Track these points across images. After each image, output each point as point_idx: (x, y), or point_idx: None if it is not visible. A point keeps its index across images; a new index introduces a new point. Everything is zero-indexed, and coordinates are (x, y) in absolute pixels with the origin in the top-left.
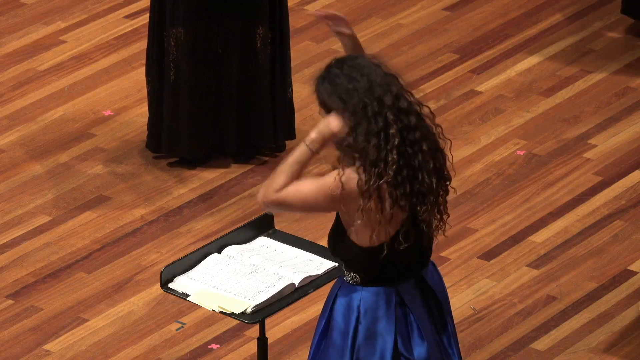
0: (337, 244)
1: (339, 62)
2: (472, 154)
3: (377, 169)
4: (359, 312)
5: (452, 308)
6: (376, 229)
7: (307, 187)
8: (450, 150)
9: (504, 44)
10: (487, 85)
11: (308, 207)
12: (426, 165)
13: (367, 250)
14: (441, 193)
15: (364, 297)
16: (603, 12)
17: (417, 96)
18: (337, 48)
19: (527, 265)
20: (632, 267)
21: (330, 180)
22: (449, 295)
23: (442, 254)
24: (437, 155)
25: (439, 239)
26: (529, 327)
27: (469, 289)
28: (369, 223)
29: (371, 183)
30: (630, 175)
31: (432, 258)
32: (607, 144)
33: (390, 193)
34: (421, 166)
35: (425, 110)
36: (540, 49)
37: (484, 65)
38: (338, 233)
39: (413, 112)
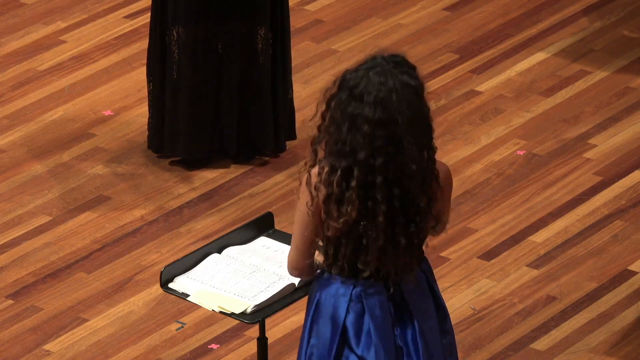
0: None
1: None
2: (472, 154)
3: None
4: (319, 297)
5: (452, 308)
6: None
7: (295, 229)
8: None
9: (504, 44)
10: (487, 85)
11: (309, 237)
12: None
13: (327, 238)
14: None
15: (324, 283)
16: (603, 12)
17: None
18: (337, 48)
19: (527, 265)
20: (632, 267)
21: (301, 202)
22: (449, 296)
23: (442, 254)
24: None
25: (438, 238)
26: (529, 327)
27: (469, 289)
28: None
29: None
30: (630, 175)
31: (431, 258)
32: (607, 144)
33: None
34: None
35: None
36: (540, 49)
37: (484, 65)
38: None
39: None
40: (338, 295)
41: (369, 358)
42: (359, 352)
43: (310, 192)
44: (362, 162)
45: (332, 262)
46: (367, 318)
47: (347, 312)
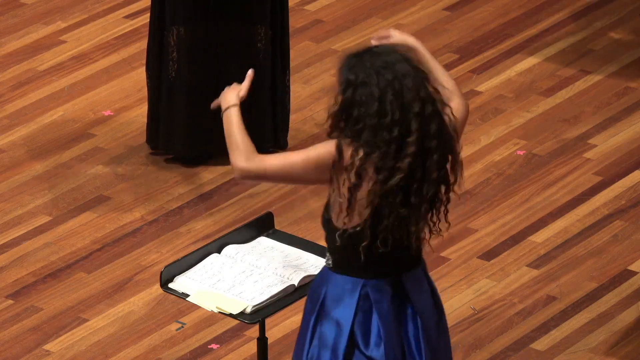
0: (322, 221)
1: (370, 53)
2: (472, 154)
3: (381, 173)
4: (324, 296)
5: (452, 308)
6: (344, 207)
7: (294, 155)
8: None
9: (504, 44)
10: (487, 85)
11: (292, 174)
12: (428, 175)
13: (338, 231)
14: (436, 201)
15: (331, 282)
16: (603, 12)
17: None
18: (337, 48)
19: (527, 265)
20: (632, 267)
21: (323, 149)
22: (449, 296)
23: (442, 254)
24: (446, 161)
25: (438, 239)
26: (529, 327)
27: (469, 289)
28: (338, 200)
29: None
30: (630, 175)
31: (431, 258)
32: (607, 144)
33: (374, 192)
34: (423, 177)
35: (447, 111)
36: (540, 49)
37: (484, 65)
38: (326, 208)
39: (436, 117)
40: (345, 295)
41: (378, 357)
42: (367, 352)
43: (334, 161)
44: (417, 115)
45: (341, 259)
46: (375, 317)
47: (356, 313)
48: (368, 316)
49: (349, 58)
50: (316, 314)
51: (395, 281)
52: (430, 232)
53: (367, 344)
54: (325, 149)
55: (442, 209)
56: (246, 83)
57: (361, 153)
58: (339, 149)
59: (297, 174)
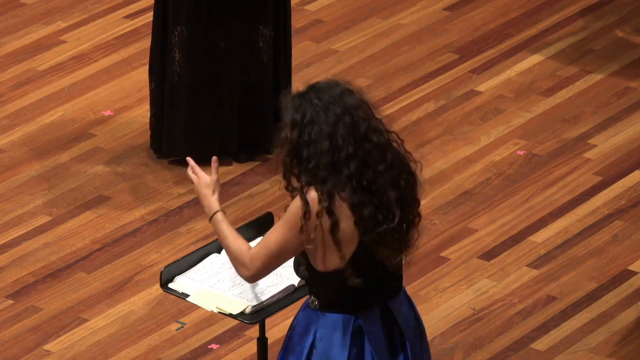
0: (299, 267)
1: (314, 90)
2: (472, 154)
3: (331, 186)
4: (314, 337)
5: (452, 308)
6: (327, 252)
7: (271, 235)
8: (421, 171)
9: (504, 44)
10: (487, 85)
11: (283, 251)
12: (405, 200)
13: (324, 275)
14: (403, 226)
15: (321, 322)
16: (603, 12)
17: (416, 97)
18: (337, 48)
19: (527, 265)
20: (632, 267)
21: (290, 213)
22: (449, 296)
23: (442, 254)
24: (402, 183)
25: (438, 239)
26: (529, 327)
27: (469, 289)
28: (321, 245)
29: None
30: (630, 175)
31: (431, 258)
32: (607, 144)
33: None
34: (400, 202)
35: (394, 137)
36: (540, 49)
37: (484, 65)
38: (302, 254)
39: (389, 145)
40: (337, 334)
41: None
42: None
43: (309, 220)
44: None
45: (328, 299)
46: (367, 347)
47: (350, 352)
48: (360, 350)
49: (293, 99)
50: (306, 356)
51: (383, 308)
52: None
53: None
54: (291, 210)
55: (414, 231)
56: (213, 172)
57: (325, 194)
58: (304, 200)
59: (284, 249)
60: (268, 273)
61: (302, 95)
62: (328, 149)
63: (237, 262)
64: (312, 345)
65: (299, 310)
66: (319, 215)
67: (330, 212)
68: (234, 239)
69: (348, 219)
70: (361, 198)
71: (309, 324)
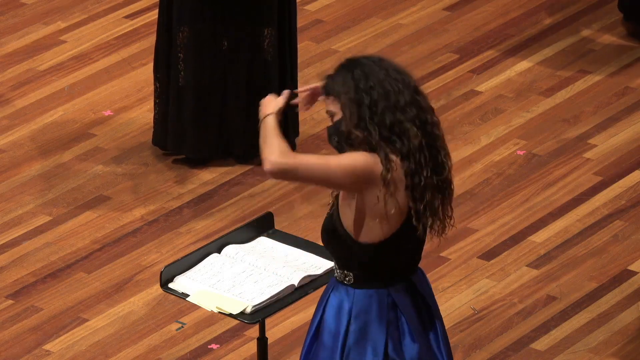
0: (333, 239)
1: (370, 58)
2: (472, 154)
3: (409, 162)
4: (350, 314)
5: (452, 308)
6: (374, 220)
7: (328, 158)
8: (449, 153)
9: (504, 44)
10: (487, 85)
11: (324, 177)
12: (433, 162)
13: (364, 247)
14: (441, 196)
15: (356, 299)
16: (603, 12)
17: None
18: (337, 48)
19: (527, 265)
20: (632, 267)
21: (362, 157)
22: (449, 296)
23: (442, 254)
24: (440, 156)
25: (438, 240)
26: (529, 327)
27: (469, 289)
28: (376, 215)
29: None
30: (630, 175)
31: (431, 258)
32: (607, 144)
33: (407, 186)
34: (427, 164)
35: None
36: (540, 49)
37: (484, 65)
38: (335, 227)
39: (430, 109)
40: (372, 310)
41: (414, 355)
42: (405, 356)
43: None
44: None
45: (363, 274)
46: (403, 321)
47: (388, 327)
48: (396, 324)
49: (342, 71)
50: (343, 334)
51: (408, 284)
52: (438, 229)
53: (401, 351)
54: (361, 158)
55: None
56: (283, 97)
57: (395, 158)
58: (385, 156)
59: (333, 174)
60: (291, 174)
61: (351, 64)
62: (385, 93)
63: (272, 147)
64: (349, 323)
65: (325, 291)
66: (385, 179)
67: (395, 180)
68: (279, 136)
69: (401, 184)
70: (415, 165)
71: (342, 302)
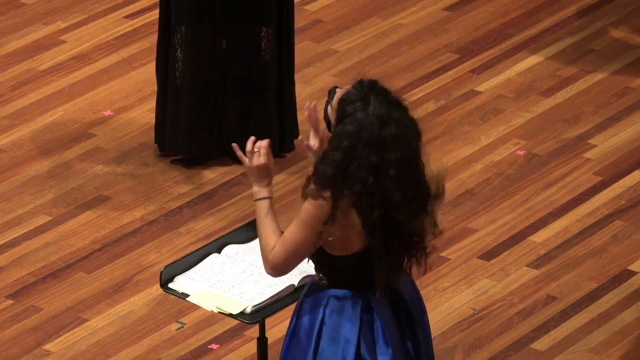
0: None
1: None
2: (472, 154)
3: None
4: (324, 313)
5: (452, 308)
6: (352, 239)
7: (291, 231)
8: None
9: (504, 44)
10: (487, 85)
11: (305, 247)
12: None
13: (338, 258)
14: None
15: (330, 298)
16: (603, 12)
17: (416, 97)
18: (337, 48)
19: (527, 265)
20: (632, 267)
21: (311, 208)
22: (449, 296)
23: (442, 254)
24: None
25: (438, 239)
26: (529, 327)
27: (469, 289)
28: (344, 236)
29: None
30: (630, 175)
31: (431, 258)
32: (607, 144)
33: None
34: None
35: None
36: (540, 49)
37: (484, 65)
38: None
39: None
40: (347, 310)
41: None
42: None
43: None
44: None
45: (337, 277)
46: (378, 326)
47: (360, 327)
48: (369, 327)
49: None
50: (317, 333)
51: (388, 290)
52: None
53: (374, 354)
54: (312, 208)
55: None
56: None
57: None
58: (335, 201)
59: (304, 245)
60: (291, 269)
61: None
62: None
63: (262, 253)
64: (322, 322)
65: (304, 290)
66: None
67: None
68: (268, 227)
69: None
70: (368, 201)
71: (318, 301)
